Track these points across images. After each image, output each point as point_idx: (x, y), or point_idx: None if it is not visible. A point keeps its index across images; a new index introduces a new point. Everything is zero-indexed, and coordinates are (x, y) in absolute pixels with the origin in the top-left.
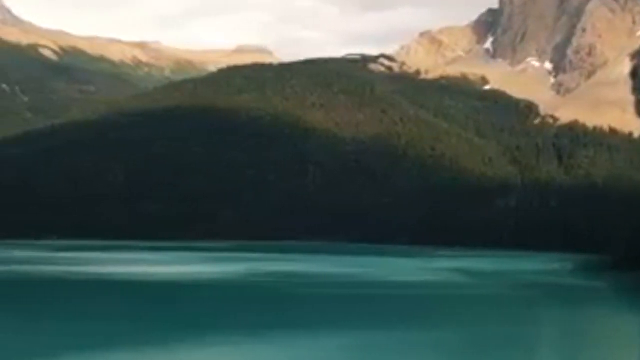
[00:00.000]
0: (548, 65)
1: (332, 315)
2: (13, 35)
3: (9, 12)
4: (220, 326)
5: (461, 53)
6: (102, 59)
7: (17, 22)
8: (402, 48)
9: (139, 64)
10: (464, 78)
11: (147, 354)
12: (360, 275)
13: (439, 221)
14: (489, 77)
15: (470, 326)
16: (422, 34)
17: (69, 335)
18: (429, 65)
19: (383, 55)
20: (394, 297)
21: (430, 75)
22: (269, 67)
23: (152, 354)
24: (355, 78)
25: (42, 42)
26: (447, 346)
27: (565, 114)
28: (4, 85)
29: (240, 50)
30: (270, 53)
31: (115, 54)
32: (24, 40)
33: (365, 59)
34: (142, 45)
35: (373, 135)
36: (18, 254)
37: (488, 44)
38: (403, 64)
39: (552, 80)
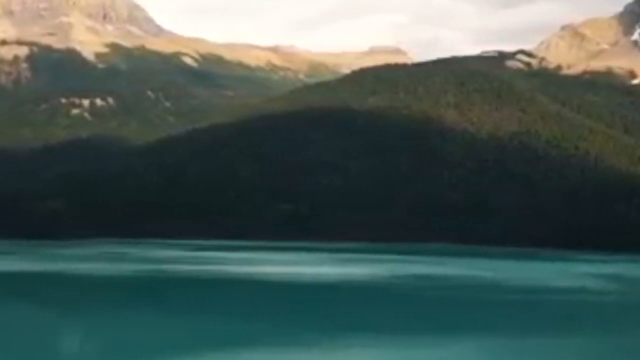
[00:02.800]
0: None
1: (475, 320)
2: (156, 45)
3: (152, 22)
4: (358, 328)
5: (606, 46)
6: (239, 64)
7: (160, 31)
8: (542, 43)
9: (273, 68)
10: (609, 72)
11: (289, 354)
12: (501, 279)
13: (581, 223)
14: (637, 70)
15: (619, 337)
16: (563, 28)
17: (207, 333)
18: (571, 59)
19: (521, 51)
20: (541, 302)
21: (573, 70)
22: (402, 67)
23: (294, 354)
24: (492, 76)
25: (183, 50)
26: (593, 356)
27: None
28: (149, 92)
29: (373, 52)
30: (404, 53)
31: (251, 59)
32: (167, 48)
33: (502, 56)
34: (276, 50)
35: (511, 134)
36: (160, 253)
37: (636, 35)
38: (543, 59)
39: None
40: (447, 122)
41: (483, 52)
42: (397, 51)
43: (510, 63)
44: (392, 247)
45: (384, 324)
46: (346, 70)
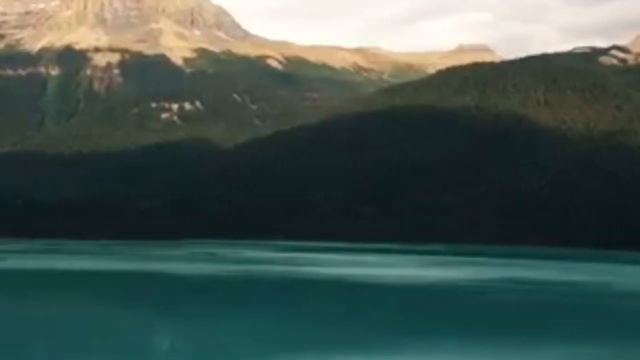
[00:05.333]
0: None
1: (571, 326)
2: (242, 48)
3: (238, 27)
4: (447, 332)
5: None
6: (324, 66)
7: (246, 36)
8: (638, 37)
9: (358, 69)
10: None
11: (376, 357)
12: (596, 283)
13: None
14: None
15: None
16: None
17: (295, 334)
18: None
19: (615, 47)
20: None
21: None
22: (489, 65)
23: (381, 356)
24: (584, 72)
25: (269, 53)
26: None
27: None
28: (235, 95)
29: (459, 50)
30: (491, 51)
31: (336, 61)
32: (252, 52)
33: (595, 52)
34: (361, 51)
35: (606, 132)
36: (249, 253)
37: None
38: (639, 54)
39: None
40: (538, 121)
41: (575, 49)
42: (485, 49)
43: (604, 59)
44: (480, 249)
45: (473, 328)
46: (432, 70)
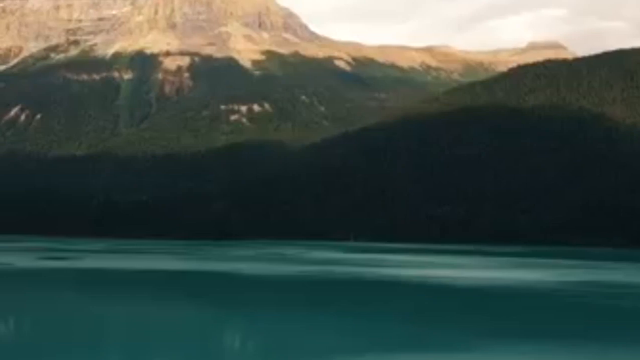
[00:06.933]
0: None
1: None
2: (310, 50)
3: (306, 28)
4: (519, 334)
5: None
6: (392, 67)
7: (313, 37)
8: None
9: (427, 68)
10: None
11: (448, 358)
12: None
13: None
14: None
15: None
16: None
17: (362, 336)
18: None
19: None
20: None
21: None
22: (563, 62)
23: (454, 358)
24: None
25: (337, 54)
26: None
27: None
28: (303, 97)
29: (531, 48)
30: (564, 48)
31: (404, 61)
32: (320, 53)
33: None
34: (430, 50)
35: None
36: (317, 254)
37: None
38: None
39: None
40: (614, 119)
41: None
42: (557, 46)
43: None
44: (558, 251)
45: (546, 332)
46: (502, 69)
